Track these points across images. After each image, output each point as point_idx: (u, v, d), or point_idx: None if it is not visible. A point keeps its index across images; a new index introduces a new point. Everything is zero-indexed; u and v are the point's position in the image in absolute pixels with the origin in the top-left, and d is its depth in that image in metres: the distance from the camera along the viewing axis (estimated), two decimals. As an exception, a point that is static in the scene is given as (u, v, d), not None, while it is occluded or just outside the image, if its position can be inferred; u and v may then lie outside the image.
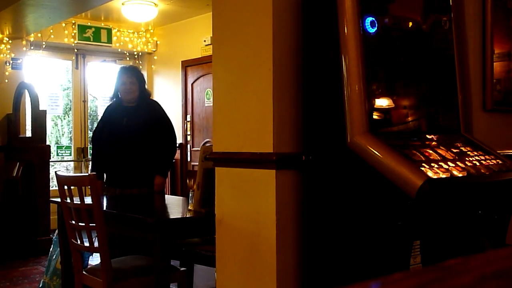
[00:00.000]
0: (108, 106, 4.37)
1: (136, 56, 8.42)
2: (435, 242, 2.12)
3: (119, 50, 8.09)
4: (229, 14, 2.50)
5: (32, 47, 7.34)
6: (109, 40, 7.92)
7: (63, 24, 7.41)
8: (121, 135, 4.08)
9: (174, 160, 7.58)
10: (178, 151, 7.96)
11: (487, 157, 2.19)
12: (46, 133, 6.51)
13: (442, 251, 2.11)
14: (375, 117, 2.08)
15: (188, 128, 7.90)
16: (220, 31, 2.56)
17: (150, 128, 4.09)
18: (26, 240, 6.04)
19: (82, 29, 7.68)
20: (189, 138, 7.90)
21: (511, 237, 2.26)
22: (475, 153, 2.19)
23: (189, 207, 3.16)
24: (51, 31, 7.29)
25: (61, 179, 3.16)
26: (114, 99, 4.27)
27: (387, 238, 2.00)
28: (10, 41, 6.94)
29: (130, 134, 4.06)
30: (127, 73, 4.18)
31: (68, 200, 3.13)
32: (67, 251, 3.48)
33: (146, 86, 4.40)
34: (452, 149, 2.15)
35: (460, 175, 1.97)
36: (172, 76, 8.16)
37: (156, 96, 8.42)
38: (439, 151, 2.09)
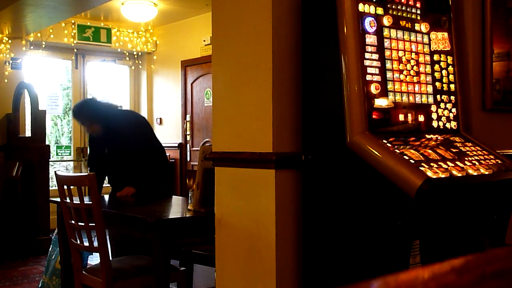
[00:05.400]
0: (90, 135, 4.22)
1: (135, 56, 8.41)
2: (435, 241, 2.12)
3: (119, 50, 8.09)
4: (229, 13, 2.50)
5: (31, 47, 7.34)
6: (109, 40, 7.92)
7: (63, 24, 7.40)
8: (107, 161, 4.05)
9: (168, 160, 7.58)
10: (177, 151, 7.97)
11: (486, 157, 2.19)
12: (45, 133, 6.51)
13: (442, 251, 2.11)
14: (374, 117, 2.08)
15: (188, 128, 7.90)
16: (219, 31, 2.56)
17: (132, 153, 3.98)
18: (25, 240, 6.04)
19: (81, 29, 7.67)
20: (188, 137, 7.90)
21: (511, 237, 2.26)
22: (475, 153, 2.19)
23: (189, 207, 3.16)
24: (51, 30, 7.29)
25: (60, 179, 3.16)
26: None
27: (386, 238, 2.00)
28: (9, 41, 6.94)
29: (115, 161, 4.03)
30: (75, 118, 4.05)
31: (68, 200, 3.13)
32: (66, 251, 3.48)
33: (108, 108, 4.05)
34: (452, 149, 2.15)
35: (460, 175, 1.97)
36: (172, 76, 8.16)
37: (156, 96, 8.43)
38: (439, 151, 2.09)
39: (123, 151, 4.00)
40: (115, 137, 3.98)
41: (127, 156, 3.99)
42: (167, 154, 7.91)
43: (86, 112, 3.95)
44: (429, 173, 1.88)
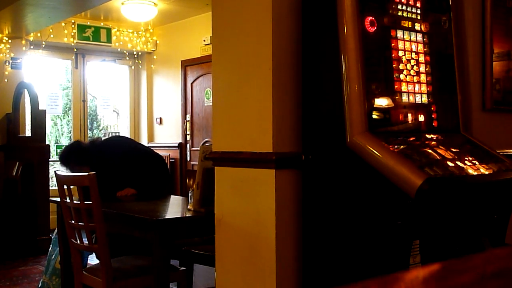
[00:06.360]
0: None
1: (135, 56, 8.41)
2: (435, 241, 2.12)
3: (119, 49, 8.09)
4: (229, 13, 2.50)
5: (31, 47, 7.34)
6: (109, 39, 7.92)
7: (63, 24, 7.40)
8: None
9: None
10: (177, 151, 7.97)
11: (486, 156, 2.19)
12: (45, 133, 6.51)
13: (442, 251, 2.11)
14: (374, 116, 2.08)
15: (188, 128, 7.90)
16: (219, 31, 2.56)
17: (131, 172, 4.00)
18: (25, 240, 6.04)
19: (81, 28, 7.67)
20: (188, 137, 7.90)
21: (511, 237, 2.26)
22: (475, 152, 2.19)
23: (189, 207, 3.16)
24: (51, 30, 7.29)
25: (60, 179, 3.16)
26: None
27: (386, 238, 2.00)
28: (9, 41, 6.94)
29: (120, 185, 4.04)
30: (63, 166, 3.97)
31: (68, 200, 3.13)
32: (66, 251, 3.48)
33: (92, 147, 4.08)
34: (452, 149, 2.15)
35: (460, 174, 1.97)
36: (172, 75, 8.16)
37: (156, 96, 8.43)
38: (439, 150, 2.09)
39: (121, 177, 3.99)
40: (109, 169, 3.97)
41: (127, 178, 4.00)
42: (167, 154, 7.93)
43: (74, 159, 3.96)
44: (429, 173, 1.88)
